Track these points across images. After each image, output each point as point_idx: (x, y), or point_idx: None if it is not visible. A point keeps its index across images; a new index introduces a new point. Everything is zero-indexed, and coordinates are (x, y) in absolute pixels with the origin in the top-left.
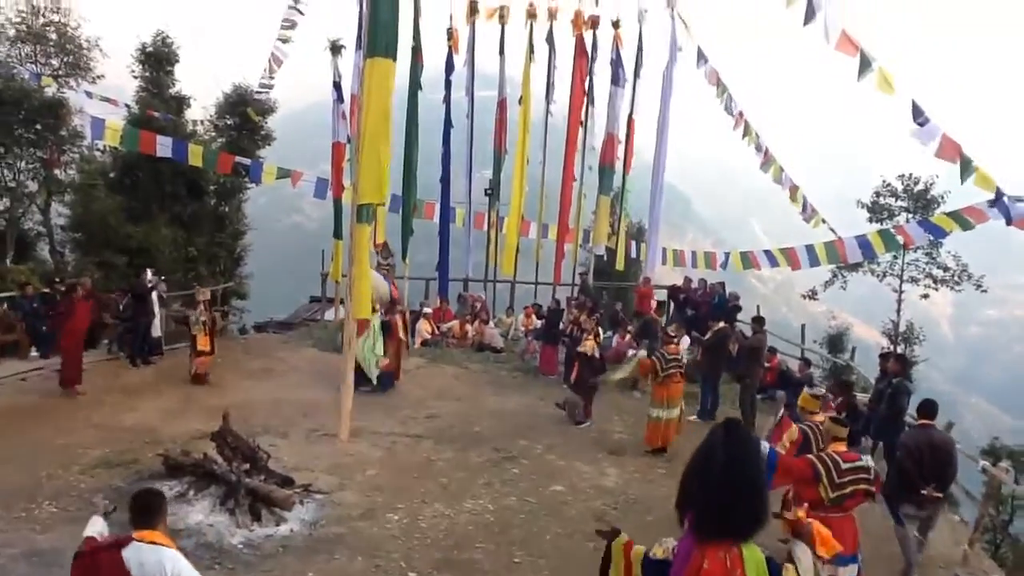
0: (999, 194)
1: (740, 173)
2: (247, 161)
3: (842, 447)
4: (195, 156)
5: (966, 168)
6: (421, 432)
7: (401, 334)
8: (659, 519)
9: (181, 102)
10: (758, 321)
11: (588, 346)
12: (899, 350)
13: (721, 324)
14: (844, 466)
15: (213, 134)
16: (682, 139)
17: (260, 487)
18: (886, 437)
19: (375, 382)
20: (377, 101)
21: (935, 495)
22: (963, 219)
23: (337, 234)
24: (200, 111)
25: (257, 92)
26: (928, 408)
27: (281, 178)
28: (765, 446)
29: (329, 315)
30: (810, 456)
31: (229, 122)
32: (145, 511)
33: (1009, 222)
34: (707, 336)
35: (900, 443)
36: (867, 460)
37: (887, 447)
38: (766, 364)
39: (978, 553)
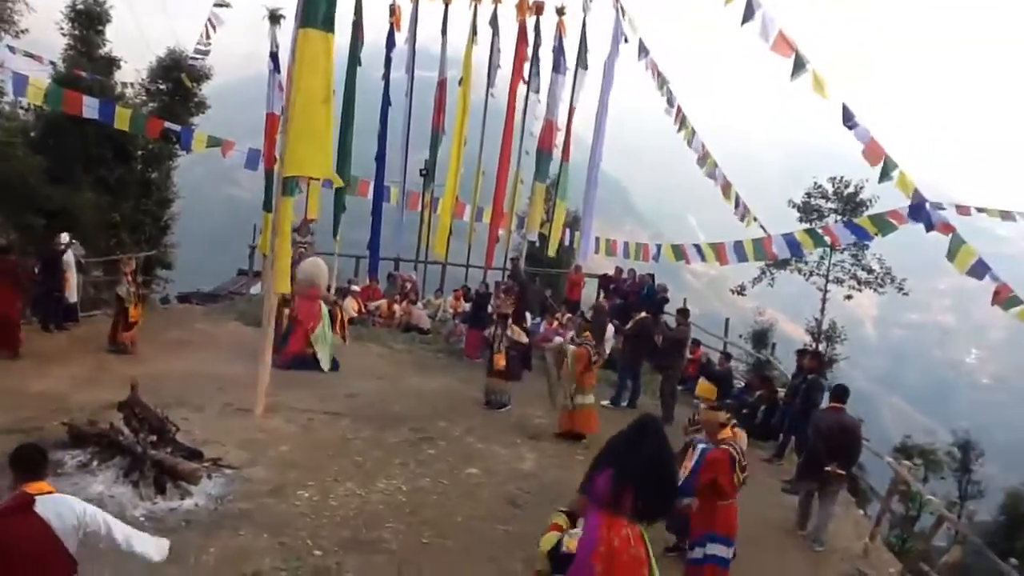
0: (920, 200)
1: (680, 168)
2: (177, 127)
3: (728, 432)
4: (122, 119)
5: (887, 171)
6: (339, 410)
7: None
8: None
9: (111, 63)
10: (683, 313)
11: (492, 331)
12: (821, 348)
13: (643, 314)
14: (744, 448)
15: (144, 98)
16: (625, 132)
17: (166, 459)
18: (799, 432)
19: (326, 368)
20: (311, 74)
21: (839, 472)
22: (884, 222)
23: (267, 207)
24: (132, 74)
25: (192, 58)
26: (840, 393)
27: (212, 146)
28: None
29: (255, 289)
30: (725, 447)
31: (162, 87)
32: (32, 464)
33: (929, 228)
34: (629, 325)
35: (812, 424)
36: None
37: (799, 441)
38: (689, 356)
39: (878, 547)
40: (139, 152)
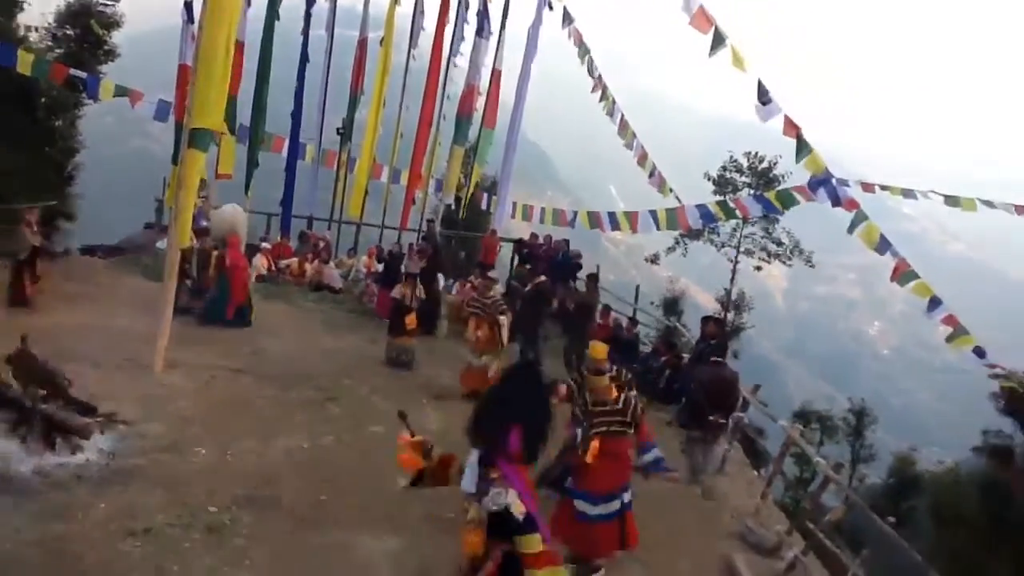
0: (826, 176)
1: (603, 138)
2: (82, 74)
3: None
4: (24, 64)
5: (801, 149)
6: (242, 367)
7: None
8: None
9: (13, 4)
10: (592, 278)
11: (402, 290)
12: (729, 317)
13: (541, 278)
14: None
15: (50, 43)
16: (549, 100)
17: (56, 414)
18: None
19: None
20: (218, 24)
21: (720, 421)
22: (790, 197)
23: (176, 160)
24: (37, 18)
25: (103, 4)
26: (719, 349)
27: (119, 96)
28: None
29: (161, 243)
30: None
31: (69, 32)
32: None
33: (835, 204)
34: (526, 288)
35: (695, 378)
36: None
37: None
38: (599, 321)
39: (769, 506)
40: (42, 99)
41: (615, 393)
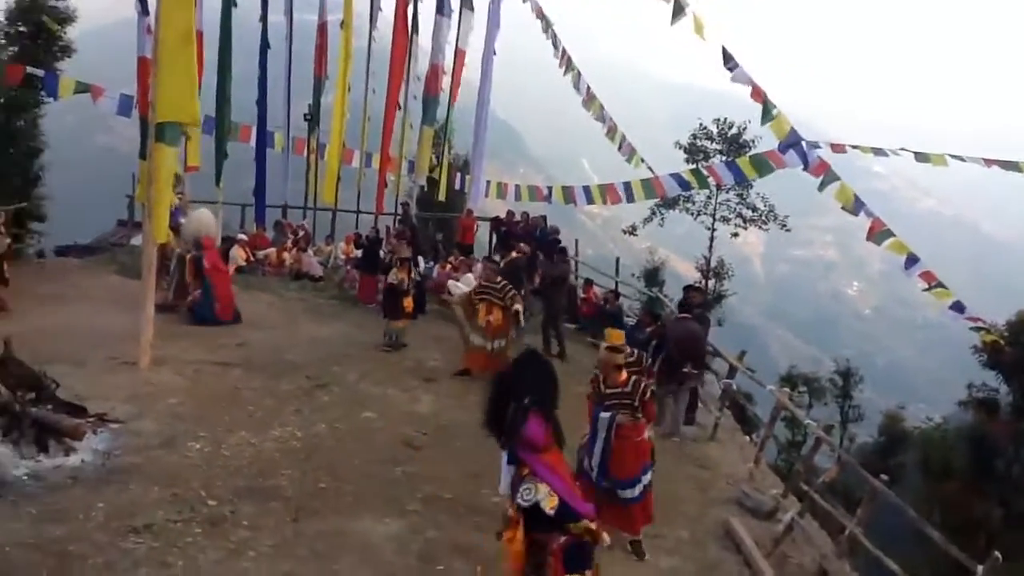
0: (795, 139)
1: (573, 113)
2: (40, 72)
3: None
4: None
5: (767, 113)
6: (230, 360)
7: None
8: (467, 445)
9: None
10: (561, 251)
11: (397, 275)
12: (710, 284)
13: (514, 254)
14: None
15: (3, 42)
16: (517, 76)
17: (47, 416)
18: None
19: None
20: (177, 13)
21: (692, 372)
22: (762, 163)
23: (143, 155)
24: None
25: None
26: (685, 305)
27: (80, 92)
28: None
29: (136, 240)
30: None
31: (22, 30)
32: None
33: (806, 167)
34: (501, 265)
35: (665, 334)
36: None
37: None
38: (582, 295)
39: (763, 470)
40: (0, 100)
41: (624, 376)
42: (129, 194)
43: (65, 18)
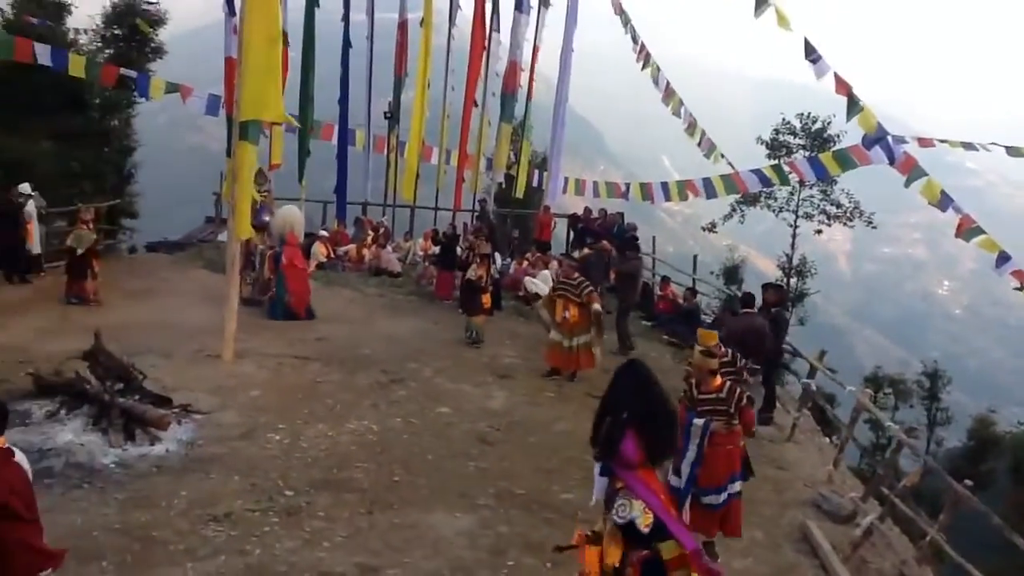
0: (881, 133)
1: (654, 110)
2: (133, 73)
3: (719, 383)
4: (76, 66)
5: (852, 106)
6: (309, 354)
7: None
8: (540, 441)
9: (61, 8)
10: (633, 247)
11: (476, 272)
12: (792, 283)
13: (586, 250)
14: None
15: (100, 44)
16: (599, 74)
17: (134, 407)
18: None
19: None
20: (260, 13)
21: (753, 367)
22: (846, 159)
23: (230, 153)
24: (85, 20)
25: (147, 2)
26: (747, 300)
27: (170, 92)
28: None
29: (222, 236)
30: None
31: (117, 32)
32: (4, 418)
33: (892, 163)
34: (575, 260)
35: (726, 328)
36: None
37: (764, 371)
38: (659, 293)
39: (842, 472)
40: (95, 100)
41: (718, 381)
42: (216, 191)
43: (157, 20)
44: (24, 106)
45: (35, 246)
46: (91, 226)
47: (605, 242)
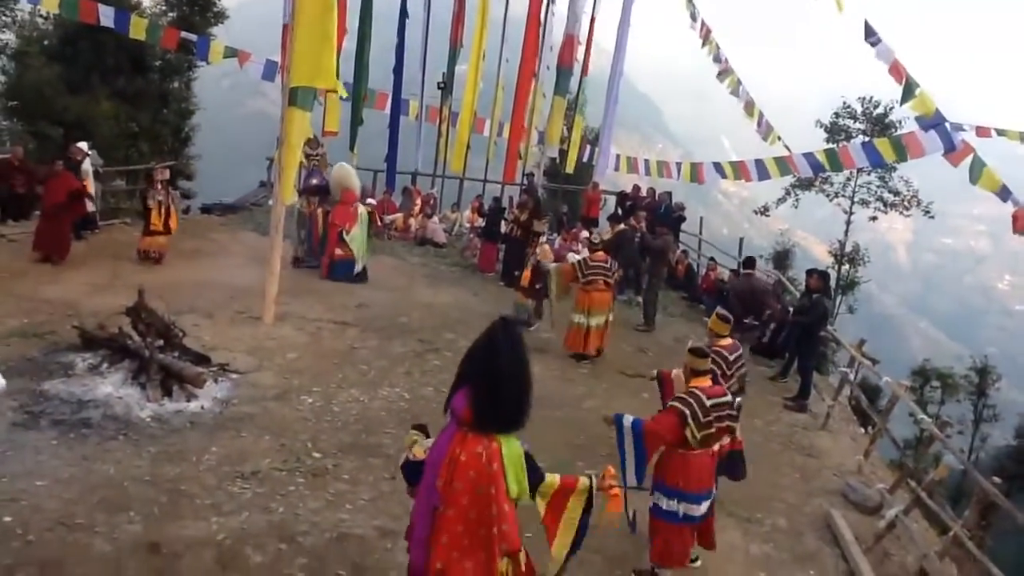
0: (939, 120)
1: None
2: (193, 37)
3: (705, 382)
4: (138, 29)
5: (908, 91)
6: (348, 320)
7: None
8: (568, 416)
9: None
10: (663, 225)
11: (542, 251)
12: (843, 270)
13: (621, 226)
14: (708, 403)
15: (163, 7)
16: (662, 51)
17: (172, 363)
18: (800, 350)
19: (359, 268)
20: None
21: (753, 323)
22: (901, 147)
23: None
24: None
25: None
26: (749, 262)
27: (228, 57)
28: (628, 418)
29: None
30: (672, 403)
31: None
32: None
33: (947, 152)
34: (608, 237)
35: (728, 287)
36: (731, 396)
37: (801, 360)
38: (703, 272)
39: (873, 463)
40: (156, 63)
41: (704, 382)
42: (269, 156)
43: None
44: (86, 67)
45: (90, 204)
46: (163, 186)
47: (632, 219)
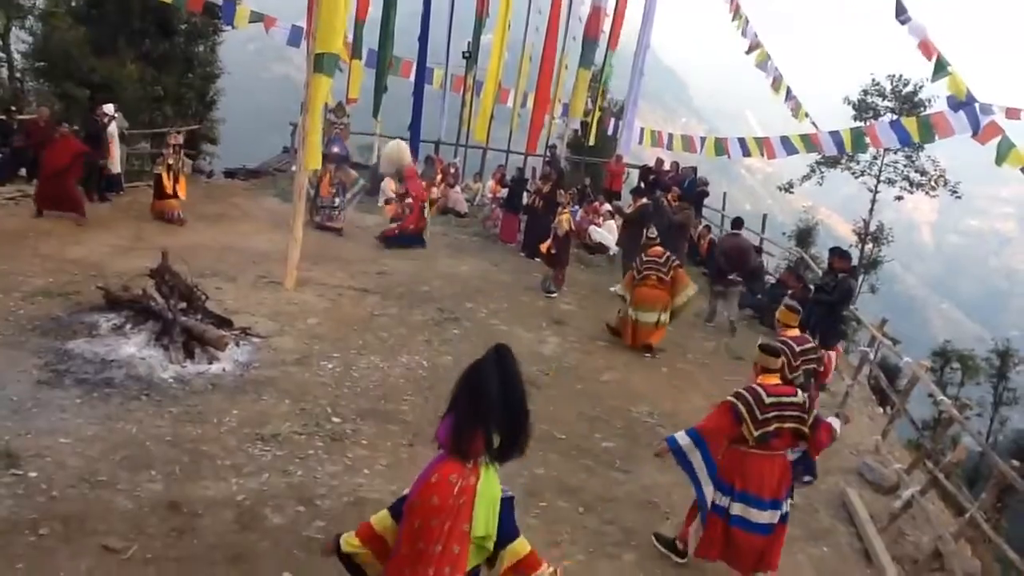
0: (969, 100)
1: (741, 64)
2: (219, 1)
3: (773, 379)
4: None
5: (939, 69)
6: (369, 287)
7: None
8: (587, 388)
9: None
10: (682, 199)
11: (564, 221)
12: (866, 249)
13: (644, 200)
14: (768, 400)
15: None
16: (690, 24)
17: (195, 326)
18: (822, 329)
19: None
20: None
21: (736, 279)
22: (928, 126)
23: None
24: None
25: None
26: (737, 223)
27: (254, 22)
28: (679, 435)
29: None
30: (728, 399)
31: None
32: None
33: (975, 133)
34: (629, 210)
35: (715, 245)
36: (802, 396)
37: (823, 338)
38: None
39: (891, 443)
40: (182, 26)
41: (771, 379)
42: (293, 122)
43: None
44: (113, 29)
45: (115, 166)
46: (175, 149)
47: (667, 195)
